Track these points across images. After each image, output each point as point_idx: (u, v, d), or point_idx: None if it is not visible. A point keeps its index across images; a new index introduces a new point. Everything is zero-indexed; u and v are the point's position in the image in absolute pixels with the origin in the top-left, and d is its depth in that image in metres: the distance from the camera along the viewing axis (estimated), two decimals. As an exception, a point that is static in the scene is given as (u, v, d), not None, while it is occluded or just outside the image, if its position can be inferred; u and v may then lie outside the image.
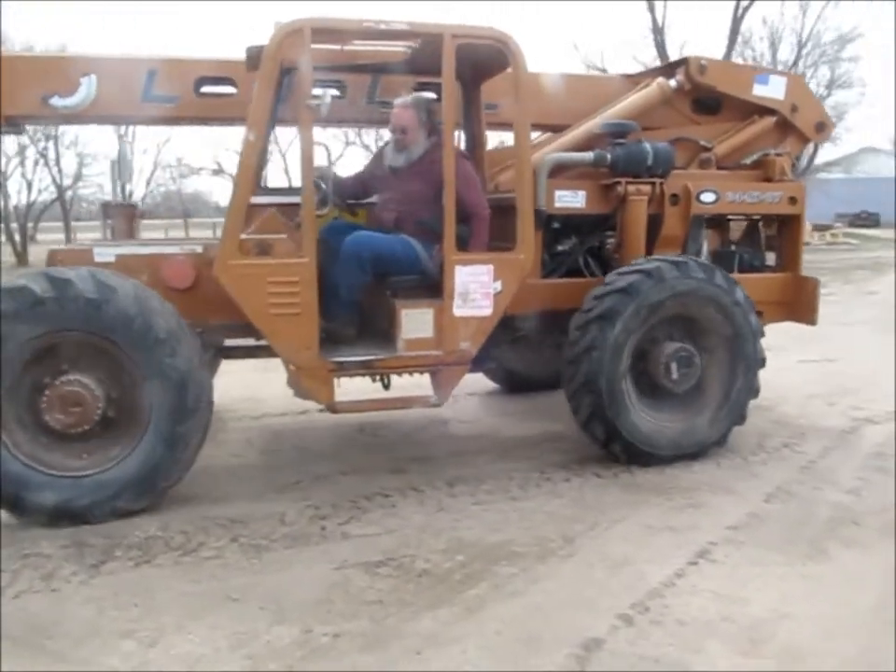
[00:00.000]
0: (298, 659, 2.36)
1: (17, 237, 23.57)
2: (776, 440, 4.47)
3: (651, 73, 4.87)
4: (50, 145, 23.97)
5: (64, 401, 3.33)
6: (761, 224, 4.83)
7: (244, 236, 3.51)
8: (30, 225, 25.35)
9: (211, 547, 3.15)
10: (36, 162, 24.73)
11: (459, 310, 3.65)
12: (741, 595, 2.73)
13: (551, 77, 4.48)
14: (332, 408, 3.70)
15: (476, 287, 3.64)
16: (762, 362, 4.19)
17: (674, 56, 21.66)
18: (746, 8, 22.23)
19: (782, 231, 4.78)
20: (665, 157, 4.19)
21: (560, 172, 4.21)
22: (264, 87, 3.34)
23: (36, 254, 24.66)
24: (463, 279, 3.63)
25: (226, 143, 29.10)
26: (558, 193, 4.12)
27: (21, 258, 22.24)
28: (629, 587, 2.79)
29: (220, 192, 55.77)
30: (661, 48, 22.19)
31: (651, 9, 21.96)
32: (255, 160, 3.45)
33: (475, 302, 3.65)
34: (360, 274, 3.69)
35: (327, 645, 2.44)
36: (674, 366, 3.99)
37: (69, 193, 26.90)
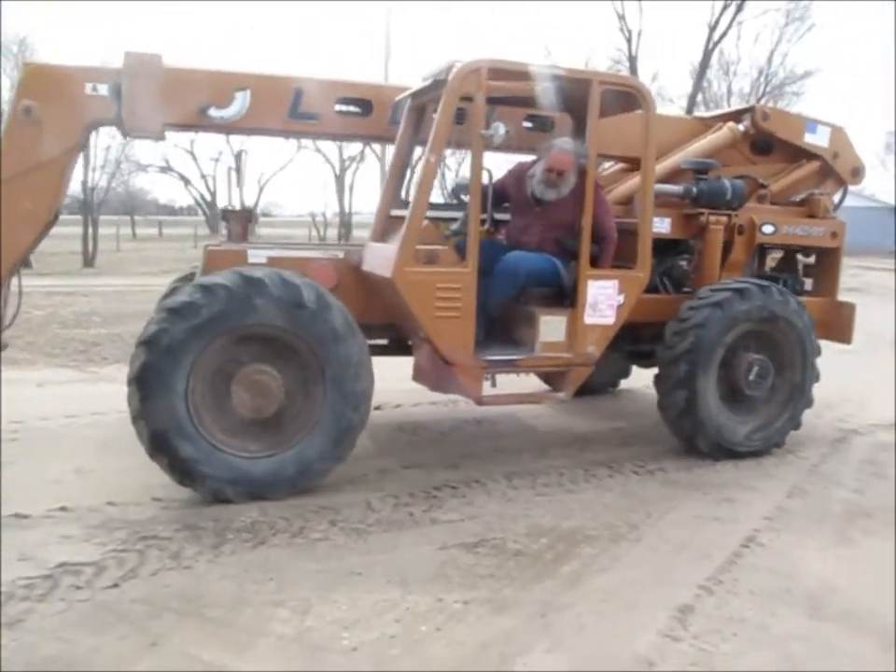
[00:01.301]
0: (442, 622, 2.71)
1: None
2: (779, 446, 5.03)
3: (721, 117, 5.43)
4: None
5: (257, 386, 3.64)
6: (798, 254, 5.44)
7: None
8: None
9: (316, 530, 3.46)
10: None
11: (589, 318, 4.14)
12: (792, 571, 3.22)
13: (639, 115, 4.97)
14: (479, 400, 4.12)
15: (603, 299, 4.15)
16: (817, 376, 4.92)
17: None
18: (717, 42, 23.55)
19: (822, 262, 5.43)
20: (740, 192, 4.82)
21: None
22: (445, 115, 3.75)
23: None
24: (594, 292, 4.14)
25: (175, 140, 28.59)
26: None
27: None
28: (697, 565, 3.25)
29: (162, 191, 54.73)
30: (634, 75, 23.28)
31: (629, 39, 23.08)
32: (432, 179, 3.85)
33: (602, 312, 4.16)
34: (512, 289, 4.13)
35: (462, 610, 2.80)
36: (755, 369, 4.61)
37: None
